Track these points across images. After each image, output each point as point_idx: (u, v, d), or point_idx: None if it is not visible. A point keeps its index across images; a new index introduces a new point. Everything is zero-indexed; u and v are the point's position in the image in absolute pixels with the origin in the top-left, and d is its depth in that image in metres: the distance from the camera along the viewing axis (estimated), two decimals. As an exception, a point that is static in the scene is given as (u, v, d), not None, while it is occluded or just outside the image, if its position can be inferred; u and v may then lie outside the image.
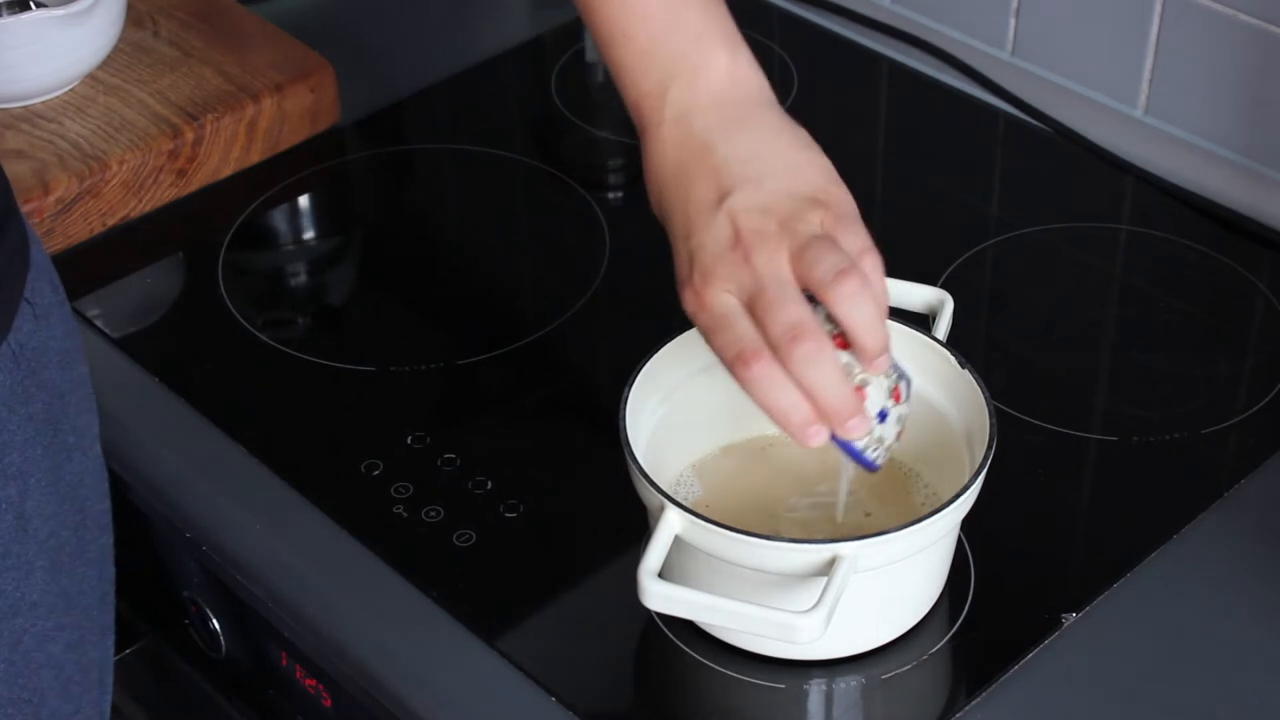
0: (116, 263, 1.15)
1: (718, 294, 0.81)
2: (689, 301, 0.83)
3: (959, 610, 0.89)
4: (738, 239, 0.81)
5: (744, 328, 0.80)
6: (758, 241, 0.81)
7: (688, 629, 0.88)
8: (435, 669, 0.88)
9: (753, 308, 0.80)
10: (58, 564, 0.85)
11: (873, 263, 0.82)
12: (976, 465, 0.84)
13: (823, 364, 0.79)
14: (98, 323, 1.09)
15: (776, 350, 0.79)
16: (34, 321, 0.82)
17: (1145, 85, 1.21)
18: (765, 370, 0.79)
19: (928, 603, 0.88)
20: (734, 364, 0.80)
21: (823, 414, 0.79)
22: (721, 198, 0.82)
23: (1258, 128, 1.16)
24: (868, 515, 0.89)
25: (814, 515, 0.90)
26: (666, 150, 0.85)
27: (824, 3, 1.34)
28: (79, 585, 0.87)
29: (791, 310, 0.79)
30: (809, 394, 0.79)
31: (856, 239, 0.82)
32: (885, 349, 0.80)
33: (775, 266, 0.80)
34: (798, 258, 0.80)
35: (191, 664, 1.07)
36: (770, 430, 0.94)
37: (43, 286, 0.84)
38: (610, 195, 1.21)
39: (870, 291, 0.80)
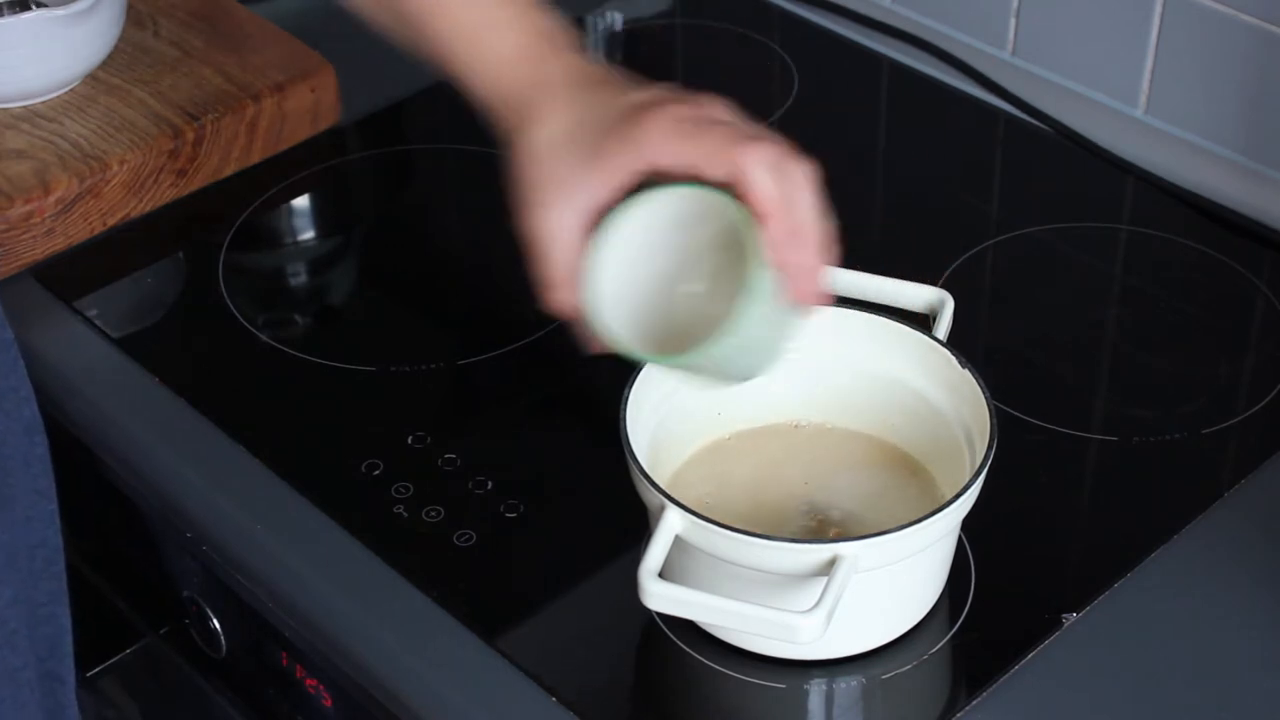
0: (116, 263, 1.15)
1: None
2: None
3: (959, 610, 0.89)
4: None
5: None
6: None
7: (688, 629, 0.88)
8: (435, 669, 0.88)
9: None
10: None
11: None
12: (976, 465, 0.84)
13: None
14: (98, 323, 1.09)
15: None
16: None
17: (1145, 85, 1.21)
18: None
19: (928, 603, 0.88)
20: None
21: None
22: None
23: (1258, 128, 1.16)
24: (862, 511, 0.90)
25: (815, 515, 0.90)
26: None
27: (824, 3, 1.34)
28: (15, 543, 0.89)
29: None
30: None
31: None
32: None
33: None
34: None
35: (191, 664, 1.07)
36: (771, 429, 0.94)
37: None
38: (610, 195, 1.21)
39: None
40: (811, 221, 0.79)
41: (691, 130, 0.79)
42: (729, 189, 0.79)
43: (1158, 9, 1.18)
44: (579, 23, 1.34)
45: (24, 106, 1.20)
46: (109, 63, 1.23)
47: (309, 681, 0.95)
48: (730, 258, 0.81)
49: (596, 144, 0.80)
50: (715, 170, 0.78)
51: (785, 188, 0.78)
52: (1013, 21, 1.26)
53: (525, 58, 0.85)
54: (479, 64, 0.86)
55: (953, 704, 0.86)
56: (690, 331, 0.81)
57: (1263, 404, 1.01)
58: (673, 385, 0.90)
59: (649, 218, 0.81)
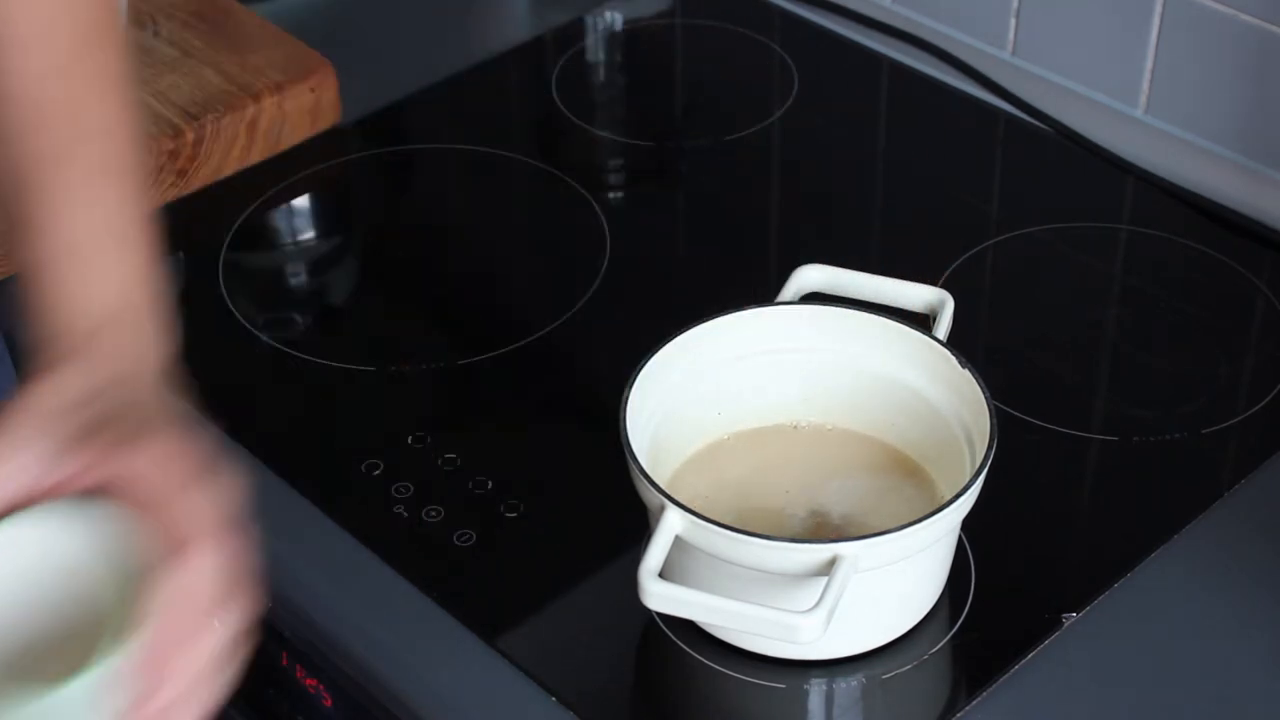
0: (117, 263, 1.15)
1: None
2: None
3: (959, 610, 0.89)
4: None
5: None
6: None
7: (688, 629, 0.88)
8: (435, 669, 0.88)
9: None
10: None
11: None
12: (976, 465, 0.84)
13: None
14: (98, 323, 1.09)
15: None
16: None
17: (1145, 85, 1.21)
18: None
19: (928, 603, 0.88)
20: None
21: None
22: None
23: (1258, 128, 1.16)
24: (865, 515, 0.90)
25: (815, 515, 0.90)
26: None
27: (824, 3, 1.34)
28: None
29: None
30: None
31: None
32: None
33: None
34: None
35: (191, 664, 1.07)
36: (771, 430, 0.94)
37: None
38: (610, 195, 1.21)
39: None
40: (208, 652, 0.66)
41: (186, 477, 0.68)
42: (161, 555, 0.67)
43: (1158, 9, 1.18)
44: (579, 22, 1.35)
45: (24, 106, 1.19)
46: (109, 63, 1.22)
47: (309, 681, 0.95)
48: (100, 626, 0.67)
49: (87, 432, 0.69)
50: (177, 523, 0.67)
51: (218, 599, 0.67)
52: (1013, 21, 1.26)
53: (109, 318, 0.77)
54: (66, 299, 0.76)
55: (953, 704, 0.86)
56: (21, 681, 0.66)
57: (1263, 404, 1.01)
58: (673, 385, 0.90)
59: (53, 537, 0.69)
